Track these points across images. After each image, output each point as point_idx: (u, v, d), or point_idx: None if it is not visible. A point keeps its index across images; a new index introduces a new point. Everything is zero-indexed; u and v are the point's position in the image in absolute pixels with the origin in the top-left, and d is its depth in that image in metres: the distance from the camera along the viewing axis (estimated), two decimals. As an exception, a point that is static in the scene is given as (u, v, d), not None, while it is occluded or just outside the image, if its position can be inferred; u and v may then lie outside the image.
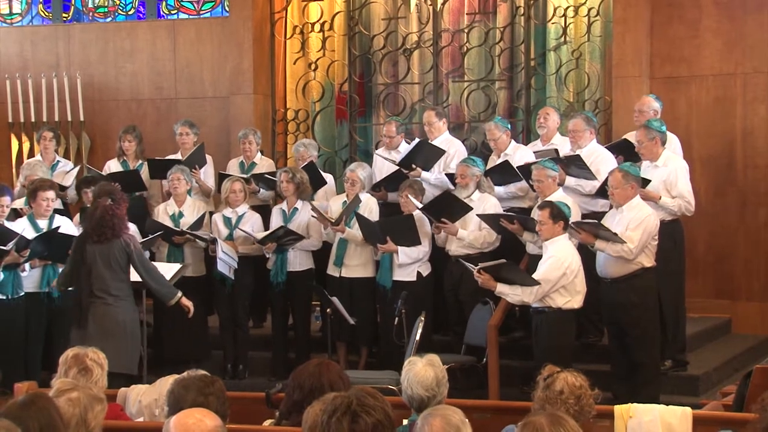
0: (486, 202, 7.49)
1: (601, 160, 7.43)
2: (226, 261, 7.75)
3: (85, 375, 4.41)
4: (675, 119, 8.54)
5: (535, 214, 6.90)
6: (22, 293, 7.16)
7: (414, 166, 7.95)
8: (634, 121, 7.71)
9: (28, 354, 7.22)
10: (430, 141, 8.15)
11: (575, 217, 6.88)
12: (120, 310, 6.56)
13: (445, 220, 7.40)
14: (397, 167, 7.96)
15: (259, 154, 8.77)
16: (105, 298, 6.54)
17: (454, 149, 8.13)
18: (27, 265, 7.18)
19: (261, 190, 8.50)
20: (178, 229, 7.87)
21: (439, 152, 8.00)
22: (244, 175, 8.40)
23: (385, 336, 7.48)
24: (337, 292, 7.49)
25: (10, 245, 6.73)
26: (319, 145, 9.51)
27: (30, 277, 7.27)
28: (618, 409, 4.78)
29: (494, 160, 7.97)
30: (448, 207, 7.43)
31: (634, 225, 6.63)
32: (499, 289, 6.60)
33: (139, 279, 6.79)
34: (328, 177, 8.62)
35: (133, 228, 7.16)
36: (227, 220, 8.05)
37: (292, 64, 10.12)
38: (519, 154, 7.85)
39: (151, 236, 7.67)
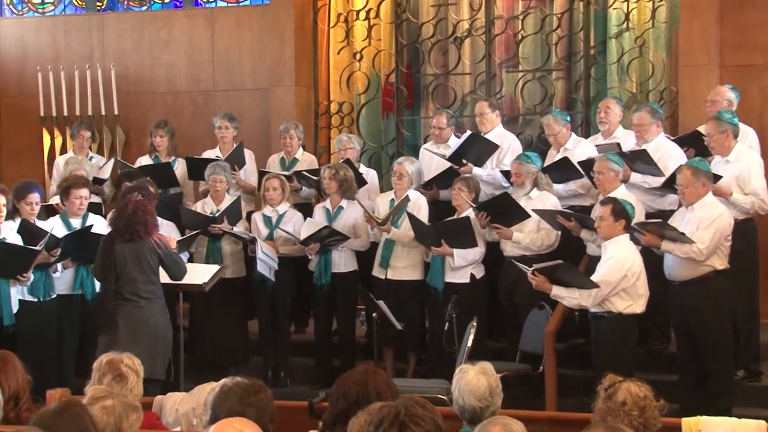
0: (546, 200, 7.44)
1: (669, 156, 7.34)
2: (265, 262, 7.79)
3: (120, 382, 4.45)
4: (747, 110, 8.38)
5: (596, 210, 6.84)
6: (54, 295, 7.25)
7: (465, 161, 7.92)
8: (706, 112, 7.59)
9: (61, 359, 7.32)
10: (482, 134, 8.11)
11: (639, 218, 6.79)
12: (151, 313, 6.62)
13: (497, 225, 7.35)
14: (449, 164, 7.94)
15: (300, 149, 8.80)
16: (136, 300, 6.61)
17: (507, 144, 8.09)
18: (59, 266, 7.26)
19: (303, 187, 8.52)
20: (212, 215, 7.91)
21: (492, 147, 7.96)
22: (285, 172, 8.44)
23: (435, 342, 7.46)
24: (384, 295, 7.49)
25: (41, 245, 6.81)
26: (363, 140, 9.53)
27: (62, 279, 7.36)
28: (686, 422, 4.72)
29: (553, 156, 7.92)
30: (504, 210, 7.38)
31: (706, 224, 6.53)
32: (555, 291, 6.56)
33: (171, 281, 6.85)
34: (372, 173, 8.62)
35: (170, 225, 7.21)
36: (267, 219, 8.09)
37: (335, 54, 10.13)
38: (580, 149, 7.78)
39: (189, 234, 7.71)
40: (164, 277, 6.84)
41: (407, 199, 7.74)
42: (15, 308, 6.92)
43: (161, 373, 6.63)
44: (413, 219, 7.54)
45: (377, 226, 7.73)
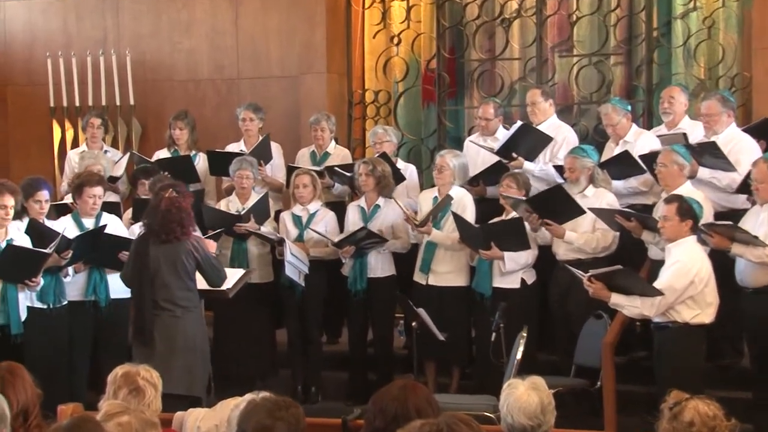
0: (602, 198, 7.40)
1: (741, 148, 7.27)
2: (295, 265, 7.82)
3: (137, 396, 4.47)
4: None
5: (659, 209, 6.79)
6: (65, 302, 7.30)
7: (514, 155, 7.90)
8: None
9: (73, 371, 7.38)
10: (534, 126, 8.09)
11: (707, 218, 6.74)
12: (188, 324, 6.67)
13: (549, 222, 7.33)
14: (497, 158, 7.92)
15: (333, 142, 8.83)
16: (171, 309, 6.65)
17: (562, 136, 8.06)
18: (70, 270, 7.32)
19: (335, 184, 8.54)
20: (237, 213, 7.95)
21: (545, 139, 7.94)
22: (316, 168, 8.46)
23: (481, 354, 7.45)
24: (425, 302, 7.49)
25: (51, 247, 6.86)
26: (401, 132, 9.52)
27: (74, 284, 7.41)
28: (760, 444, 4.68)
29: (611, 149, 7.88)
30: (557, 205, 7.35)
31: (783, 225, 6.48)
32: (614, 299, 6.51)
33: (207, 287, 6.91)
34: (411, 169, 8.63)
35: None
36: (297, 219, 8.12)
37: (371, 38, 10.15)
38: (641, 142, 7.73)
39: (211, 234, 7.75)
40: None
41: (449, 197, 7.73)
42: (23, 316, 6.96)
43: (201, 390, 6.68)
44: (459, 219, 7.53)
45: (415, 227, 7.73)
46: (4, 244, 6.86)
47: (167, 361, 6.34)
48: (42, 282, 7.01)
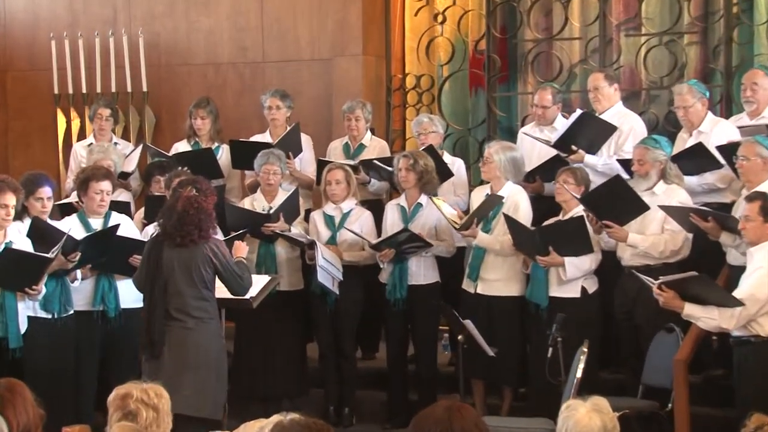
0: (673, 196, 7.35)
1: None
2: (327, 271, 7.83)
3: (133, 421, 4.45)
4: None
5: (740, 208, 6.74)
6: (72, 311, 7.34)
7: (574, 147, 7.88)
8: None
9: (79, 389, 7.42)
10: (596, 114, 8.05)
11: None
12: (201, 336, 6.69)
13: (609, 223, 7.28)
14: (554, 151, 7.90)
15: (369, 133, 8.84)
16: (184, 320, 6.67)
17: (628, 126, 8.03)
18: (78, 273, 7.36)
19: (372, 180, 8.56)
20: (265, 212, 7.98)
21: (609, 129, 7.91)
22: (350, 162, 8.48)
23: (536, 372, 7.42)
24: (472, 313, 7.48)
25: (54, 251, 6.88)
26: (447, 122, 9.51)
27: (80, 291, 7.45)
28: None
29: (683, 140, 7.84)
30: (617, 201, 7.31)
31: None
32: (688, 310, 6.48)
33: (221, 296, 6.93)
34: (458, 163, 8.62)
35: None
36: (329, 219, 8.13)
37: (412, 17, 10.16)
38: (717, 132, 7.68)
39: (234, 234, 7.77)
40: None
41: (497, 197, 7.70)
42: (23, 327, 7.00)
43: (214, 412, 6.70)
44: (511, 222, 7.50)
45: (458, 230, 7.72)
46: (2, 248, 6.90)
47: (177, 377, 6.36)
48: (44, 290, 7.04)
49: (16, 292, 6.92)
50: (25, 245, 7.01)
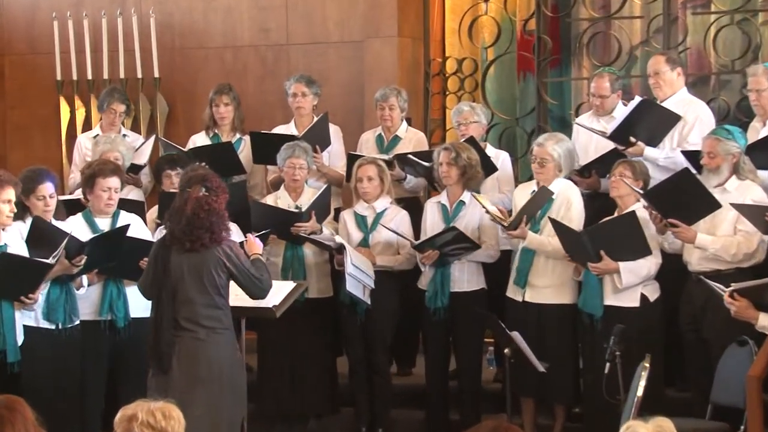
0: (747, 193, 7.32)
1: None
2: (357, 278, 7.83)
3: None
4: None
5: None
6: (77, 321, 7.36)
7: (633, 139, 7.85)
8: None
9: (86, 406, 7.45)
10: (658, 102, 8.03)
11: None
12: (214, 348, 6.68)
13: (675, 222, 7.25)
14: (613, 144, 7.88)
15: (404, 123, 8.85)
16: (194, 330, 6.67)
17: (693, 115, 8.01)
18: (85, 279, 7.38)
19: (408, 176, 8.55)
20: (296, 210, 7.99)
21: (672, 118, 7.89)
22: (384, 156, 8.48)
23: (592, 389, 7.42)
24: (520, 324, 7.48)
25: (54, 256, 6.89)
26: (492, 111, 9.49)
27: (86, 299, 7.47)
28: None
29: (756, 130, 7.81)
30: (684, 198, 7.28)
31: None
32: (763, 321, 6.45)
33: (235, 303, 6.94)
34: (503, 156, 8.61)
35: (234, 229, 7.30)
36: (361, 220, 8.15)
37: (453, -7, 10.18)
38: (796, 121, 7.67)
39: (256, 234, 7.75)
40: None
41: (546, 191, 7.67)
42: (20, 339, 7.00)
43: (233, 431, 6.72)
44: (558, 226, 7.47)
45: (505, 230, 7.70)
46: None
47: (187, 394, 6.38)
48: (41, 299, 7.08)
49: (12, 301, 6.92)
50: (21, 249, 7.03)
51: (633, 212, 7.40)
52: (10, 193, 6.91)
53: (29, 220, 7.16)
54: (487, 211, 7.71)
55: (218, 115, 9.00)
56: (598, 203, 7.94)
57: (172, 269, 6.68)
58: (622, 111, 8.13)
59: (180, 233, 6.67)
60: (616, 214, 7.62)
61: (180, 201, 6.75)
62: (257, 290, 6.87)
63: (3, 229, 6.97)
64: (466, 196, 7.96)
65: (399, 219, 8.12)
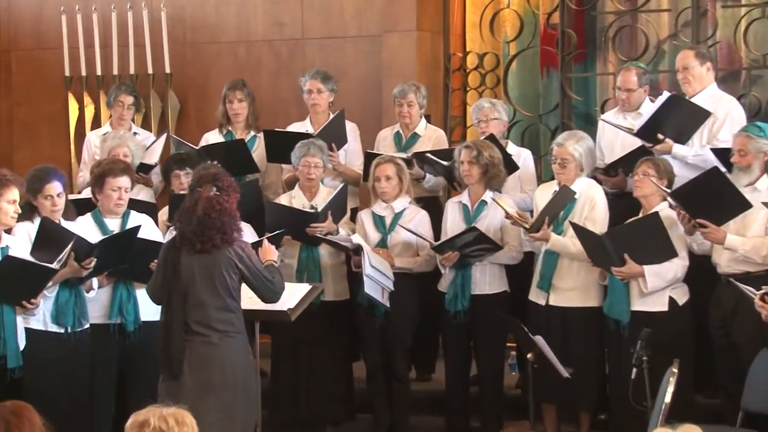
0: (779, 192, 7.31)
1: None
2: (376, 280, 7.84)
3: None
4: None
5: None
6: (87, 325, 7.38)
7: (661, 136, 7.84)
8: None
9: (95, 412, 7.47)
10: (687, 97, 8.02)
11: None
12: (227, 353, 6.68)
13: (704, 222, 7.24)
14: (637, 139, 7.86)
15: (423, 121, 8.85)
16: (206, 334, 6.67)
17: (723, 111, 7.99)
18: (95, 282, 7.40)
19: (427, 175, 8.55)
20: (311, 210, 7.99)
21: (701, 114, 7.88)
22: (402, 154, 8.48)
23: (618, 396, 7.41)
24: (544, 328, 7.49)
25: (60, 260, 6.90)
26: (514, 107, 9.48)
27: (96, 303, 7.49)
28: None
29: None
30: (714, 197, 7.27)
31: None
32: (796, 326, 6.46)
33: (248, 306, 6.95)
34: (525, 155, 8.61)
35: (247, 229, 7.30)
36: (379, 220, 8.15)
37: (474, -14, 10.18)
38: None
39: (269, 235, 7.76)
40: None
41: (568, 190, 7.66)
42: (22, 344, 7.02)
43: None
44: (578, 229, 7.46)
45: (527, 231, 7.70)
46: None
47: (199, 400, 6.39)
48: (41, 303, 7.08)
49: (14, 305, 6.93)
50: (23, 251, 7.04)
51: (656, 213, 7.39)
52: (14, 194, 6.93)
53: (38, 221, 7.18)
54: (508, 215, 7.70)
55: (232, 111, 9.00)
56: (624, 203, 7.92)
57: (182, 271, 6.68)
58: (649, 107, 8.13)
59: (190, 234, 6.67)
60: (641, 215, 7.61)
61: (190, 201, 6.74)
62: (269, 293, 6.87)
63: (10, 231, 7.00)
64: (488, 195, 7.95)
65: (418, 219, 8.12)
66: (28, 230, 7.17)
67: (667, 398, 6.55)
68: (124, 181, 7.58)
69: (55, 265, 6.90)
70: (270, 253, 7.12)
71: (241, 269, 6.70)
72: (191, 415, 4.52)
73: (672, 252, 7.37)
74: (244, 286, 6.78)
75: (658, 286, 7.40)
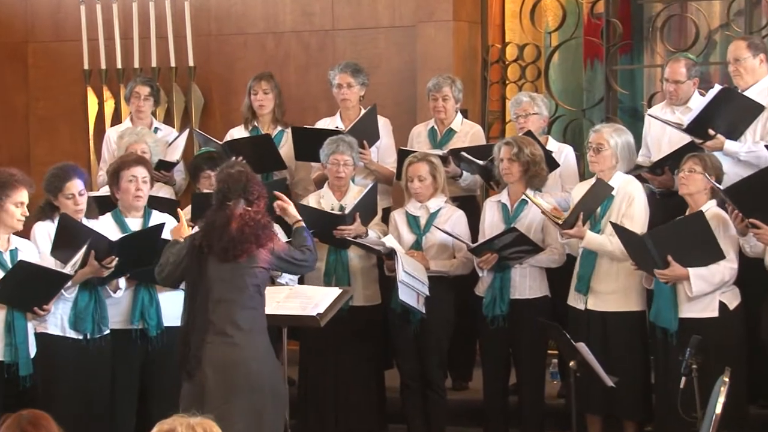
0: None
1: None
2: (410, 285, 7.82)
3: None
4: None
5: None
6: (107, 330, 7.41)
7: (712, 132, 7.81)
8: None
9: (116, 422, 7.49)
10: (739, 90, 7.99)
11: None
12: (252, 354, 6.69)
13: (757, 222, 7.21)
14: (685, 135, 7.84)
15: (459, 116, 8.86)
16: (230, 334, 6.68)
17: (779, 105, 7.97)
18: (122, 282, 7.41)
19: (464, 173, 8.55)
20: (338, 213, 8.01)
21: (755, 109, 7.84)
22: (437, 151, 8.48)
23: (665, 406, 7.39)
24: (583, 334, 7.47)
25: (74, 262, 6.93)
26: (555, 101, 9.46)
27: (117, 307, 7.52)
28: None
29: None
30: (765, 197, 7.25)
31: None
32: None
33: (276, 311, 6.97)
34: (567, 151, 8.60)
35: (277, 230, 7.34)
36: (413, 221, 8.15)
37: (513, -27, 10.18)
38: None
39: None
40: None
41: (605, 186, 7.63)
42: (32, 350, 7.04)
43: None
44: (619, 229, 7.42)
45: (559, 229, 7.66)
46: (8, 256, 6.97)
47: (225, 404, 6.41)
48: (60, 308, 7.13)
49: (25, 312, 6.96)
50: (32, 253, 7.07)
51: (700, 212, 7.34)
52: (22, 195, 6.93)
53: (57, 219, 7.21)
54: (542, 210, 7.67)
55: (257, 103, 9.02)
56: (673, 203, 7.87)
57: (209, 272, 6.69)
58: (698, 101, 8.09)
59: (220, 249, 6.67)
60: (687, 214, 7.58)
61: (221, 218, 6.71)
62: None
63: (28, 234, 7.03)
64: (530, 194, 7.89)
65: (454, 219, 8.12)
66: (49, 230, 7.22)
67: (718, 409, 6.51)
68: (139, 170, 7.58)
69: (68, 271, 6.95)
70: (289, 210, 7.21)
71: (274, 265, 6.80)
72: (218, 421, 4.54)
73: (719, 254, 7.33)
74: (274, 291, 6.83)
75: (704, 290, 7.35)
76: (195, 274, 6.75)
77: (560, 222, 7.61)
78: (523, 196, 7.90)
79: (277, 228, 7.45)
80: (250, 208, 6.70)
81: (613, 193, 7.68)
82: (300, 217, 7.21)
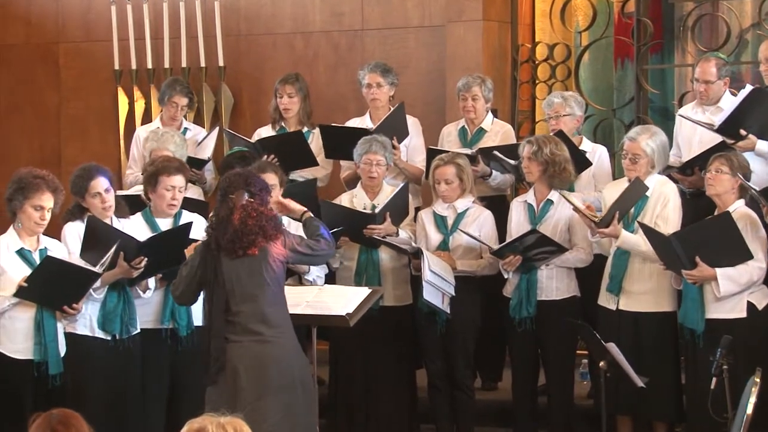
0: None
1: None
2: (436, 285, 7.82)
3: None
4: None
5: None
6: (136, 331, 7.42)
7: (743, 132, 7.79)
8: None
9: (145, 421, 7.49)
10: (770, 91, 7.99)
11: None
12: (281, 351, 6.71)
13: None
14: (720, 137, 7.82)
15: (489, 115, 8.85)
16: (260, 332, 6.69)
17: (811, 105, 7.94)
18: (151, 282, 7.42)
19: (493, 172, 8.54)
20: (369, 212, 8.01)
21: (787, 109, 7.83)
22: (466, 150, 8.47)
23: (696, 407, 7.38)
24: (614, 334, 7.45)
25: (103, 264, 6.92)
26: (586, 101, 9.45)
27: (147, 307, 7.54)
28: None
29: None
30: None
31: None
32: None
33: (305, 311, 6.99)
34: (600, 151, 8.57)
35: (295, 228, 7.36)
36: (440, 221, 8.15)
37: (544, -28, 10.17)
38: None
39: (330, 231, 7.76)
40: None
41: (641, 185, 7.61)
42: (63, 349, 7.08)
43: None
44: (646, 229, 7.41)
45: (594, 228, 7.65)
46: (37, 255, 7.00)
47: (258, 401, 6.43)
48: (89, 307, 7.16)
49: (54, 310, 6.99)
50: (62, 253, 7.10)
51: (727, 212, 7.32)
52: (44, 199, 6.93)
53: (86, 219, 7.23)
54: (575, 208, 7.66)
55: (282, 106, 9.04)
56: (703, 203, 7.85)
57: (225, 273, 6.70)
58: (729, 101, 8.07)
59: (228, 243, 6.69)
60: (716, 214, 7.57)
61: (224, 210, 6.75)
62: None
63: (59, 237, 7.07)
64: (555, 194, 7.91)
65: (482, 220, 8.11)
66: (79, 231, 7.23)
67: (749, 409, 6.50)
68: (178, 180, 7.57)
69: (98, 269, 6.97)
70: (293, 207, 7.28)
71: (292, 259, 6.84)
72: (251, 418, 4.55)
73: (746, 254, 7.31)
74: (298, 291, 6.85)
75: (732, 291, 7.34)
76: (210, 274, 6.77)
77: (596, 221, 7.61)
78: (550, 197, 7.91)
79: (289, 222, 7.51)
80: (252, 200, 6.73)
81: (648, 193, 7.67)
82: (306, 208, 7.26)
